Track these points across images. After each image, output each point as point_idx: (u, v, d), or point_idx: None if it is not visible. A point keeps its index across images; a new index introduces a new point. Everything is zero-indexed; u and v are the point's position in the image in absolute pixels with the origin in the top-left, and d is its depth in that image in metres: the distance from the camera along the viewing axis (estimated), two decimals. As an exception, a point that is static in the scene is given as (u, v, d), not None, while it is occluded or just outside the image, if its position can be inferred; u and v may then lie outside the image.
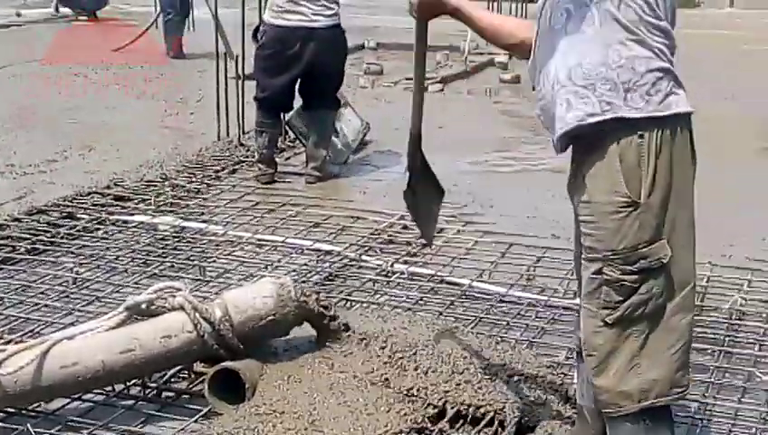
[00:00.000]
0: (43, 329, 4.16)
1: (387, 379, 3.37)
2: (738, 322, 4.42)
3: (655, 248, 2.70)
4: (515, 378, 3.51)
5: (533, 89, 2.93)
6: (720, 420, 3.61)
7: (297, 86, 6.71)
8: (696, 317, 4.29)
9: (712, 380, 3.86)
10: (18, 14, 14.20)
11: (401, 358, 3.48)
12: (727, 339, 4.24)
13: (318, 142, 6.71)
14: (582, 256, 2.84)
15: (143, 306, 3.53)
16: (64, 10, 14.44)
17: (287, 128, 7.31)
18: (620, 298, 2.74)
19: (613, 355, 2.79)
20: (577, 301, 4.19)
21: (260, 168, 6.67)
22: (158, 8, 11.87)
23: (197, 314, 3.47)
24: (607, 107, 2.69)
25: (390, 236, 5.53)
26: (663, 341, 2.76)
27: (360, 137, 7.25)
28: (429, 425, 3.29)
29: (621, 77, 2.68)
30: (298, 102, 6.89)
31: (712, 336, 4.24)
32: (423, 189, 3.43)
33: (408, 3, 3.17)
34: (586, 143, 2.77)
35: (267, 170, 6.65)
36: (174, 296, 3.54)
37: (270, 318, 3.52)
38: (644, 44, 2.70)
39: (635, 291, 2.73)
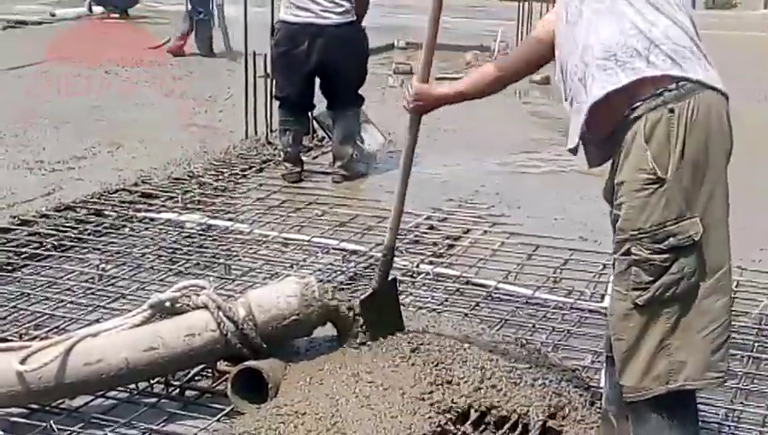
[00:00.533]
0: (68, 326, 4.17)
1: (410, 381, 3.34)
2: (768, 327, 4.37)
3: (684, 226, 2.66)
4: (540, 381, 3.47)
5: (565, 99, 2.91)
6: (748, 426, 3.56)
7: (319, 84, 6.72)
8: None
9: (740, 386, 3.81)
10: (52, 15, 14.24)
11: (425, 361, 3.46)
12: (756, 344, 4.18)
13: (342, 140, 6.71)
14: (614, 238, 2.81)
15: (167, 304, 3.52)
16: (97, 9, 14.50)
17: (315, 124, 7.31)
18: (651, 278, 2.70)
19: (643, 339, 2.74)
20: (604, 304, 4.18)
21: (286, 166, 6.67)
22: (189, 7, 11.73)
23: (221, 313, 3.46)
24: (630, 72, 2.68)
25: (416, 236, 5.51)
26: (695, 323, 2.71)
27: (383, 150, 7.25)
28: (453, 428, 3.26)
29: (640, 43, 2.68)
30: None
31: (741, 341, 4.18)
32: (384, 313, 3.60)
33: (405, 101, 3.40)
34: (621, 128, 2.73)
35: (293, 169, 6.64)
36: (198, 295, 3.53)
37: (294, 318, 3.50)
38: (659, 11, 2.70)
39: (665, 271, 2.68)
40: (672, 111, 2.66)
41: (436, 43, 3.38)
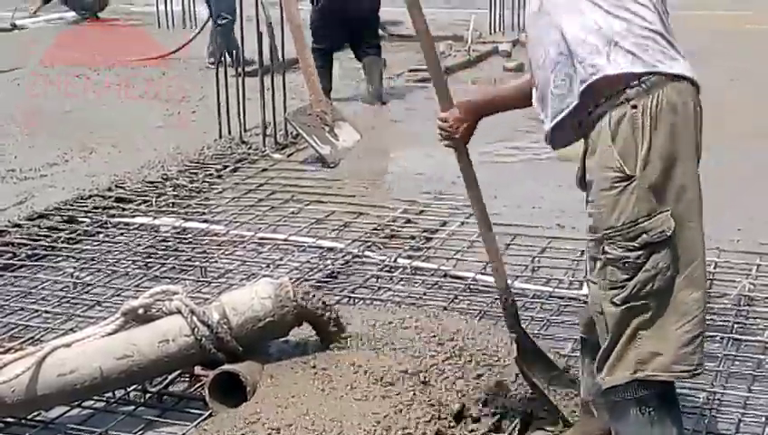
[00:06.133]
0: (43, 336, 4.13)
1: (388, 378, 3.31)
2: (747, 308, 4.35)
3: (656, 221, 2.62)
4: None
5: (534, 89, 2.89)
6: (729, 409, 3.55)
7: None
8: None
9: (720, 368, 3.79)
10: (13, 26, 13.85)
11: (403, 356, 3.43)
12: (736, 326, 4.17)
13: (374, 85, 8.67)
14: (587, 237, 2.78)
15: (140, 311, 3.48)
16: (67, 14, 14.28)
17: (288, 125, 7.31)
18: (626, 276, 2.67)
19: (621, 334, 2.71)
20: (583, 291, 4.16)
21: None
22: (210, 13, 10.16)
23: (195, 318, 3.42)
24: (591, 69, 2.64)
25: (393, 230, 5.48)
26: (669, 317, 2.68)
27: (355, 146, 7.21)
28: (436, 422, 3.23)
29: (601, 40, 2.63)
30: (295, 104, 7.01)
31: (720, 323, 4.17)
32: (533, 361, 3.30)
33: (442, 139, 3.17)
34: (586, 122, 2.71)
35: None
36: (171, 300, 3.49)
37: (269, 319, 3.47)
38: (622, 8, 2.64)
39: (640, 268, 2.65)
40: (635, 106, 2.61)
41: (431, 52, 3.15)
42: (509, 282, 3.36)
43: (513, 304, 3.31)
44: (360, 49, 8.82)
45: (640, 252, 2.64)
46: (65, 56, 10.86)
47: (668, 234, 2.63)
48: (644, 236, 2.63)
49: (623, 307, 2.69)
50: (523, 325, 3.42)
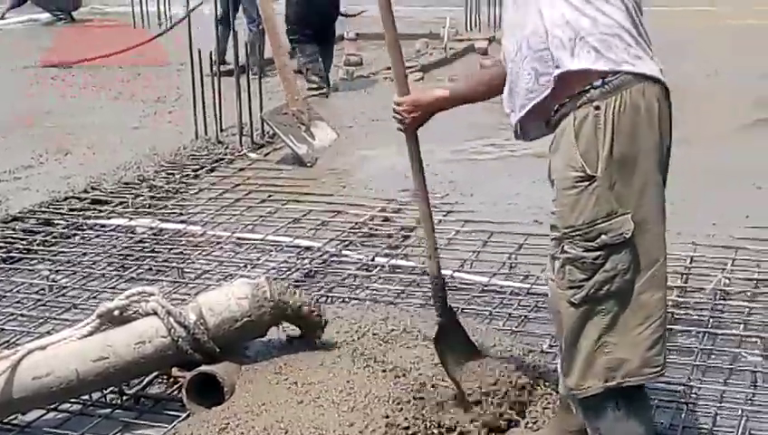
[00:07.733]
0: (18, 339, 4.10)
1: (366, 378, 3.30)
2: (722, 302, 4.37)
3: (615, 223, 2.62)
4: (498, 368, 3.45)
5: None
6: (706, 403, 3.56)
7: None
8: (679, 298, 4.32)
9: (697, 362, 3.81)
10: None
11: (378, 355, 3.43)
12: (712, 320, 4.19)
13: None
14: (550, 236, 2.79)
15: (116, 313, 3.46)
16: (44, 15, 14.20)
17: (264, 124, 7.29)
18: (584, 276, 2.67)
19: (581, 337, 2.72)
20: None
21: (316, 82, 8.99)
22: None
23: (171, 319, 3.41)
24: (557, 62, 2.64)
25: (371, 229, 5.47)
26: (632, 319, 2.68)
27: (331, 145, 7.21)
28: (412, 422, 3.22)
29: (566, 34, 2.63)
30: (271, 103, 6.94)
31: (696, 318, 4.20)
32: (453, 340, 3.35)
33: (398, 123, 3.24)
34: (555, 121, 2.71)
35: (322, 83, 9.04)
36: (147, 301, 3.48)
37: (246, 319, 3.46)
38: (592, 6, 2.63)
39: (599, 268, 2.65)
40: (598, 108, 2.61)
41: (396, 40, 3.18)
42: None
43: (442, 288, 3.34)
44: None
45: (599, 253, 2.64)
46: (40, 58, 10.83)
47: (627, 236, 2.62)
48: (603, 236, 2.63)
49: (581, 308, 2.69)
50: (454, 310, 3.48)
